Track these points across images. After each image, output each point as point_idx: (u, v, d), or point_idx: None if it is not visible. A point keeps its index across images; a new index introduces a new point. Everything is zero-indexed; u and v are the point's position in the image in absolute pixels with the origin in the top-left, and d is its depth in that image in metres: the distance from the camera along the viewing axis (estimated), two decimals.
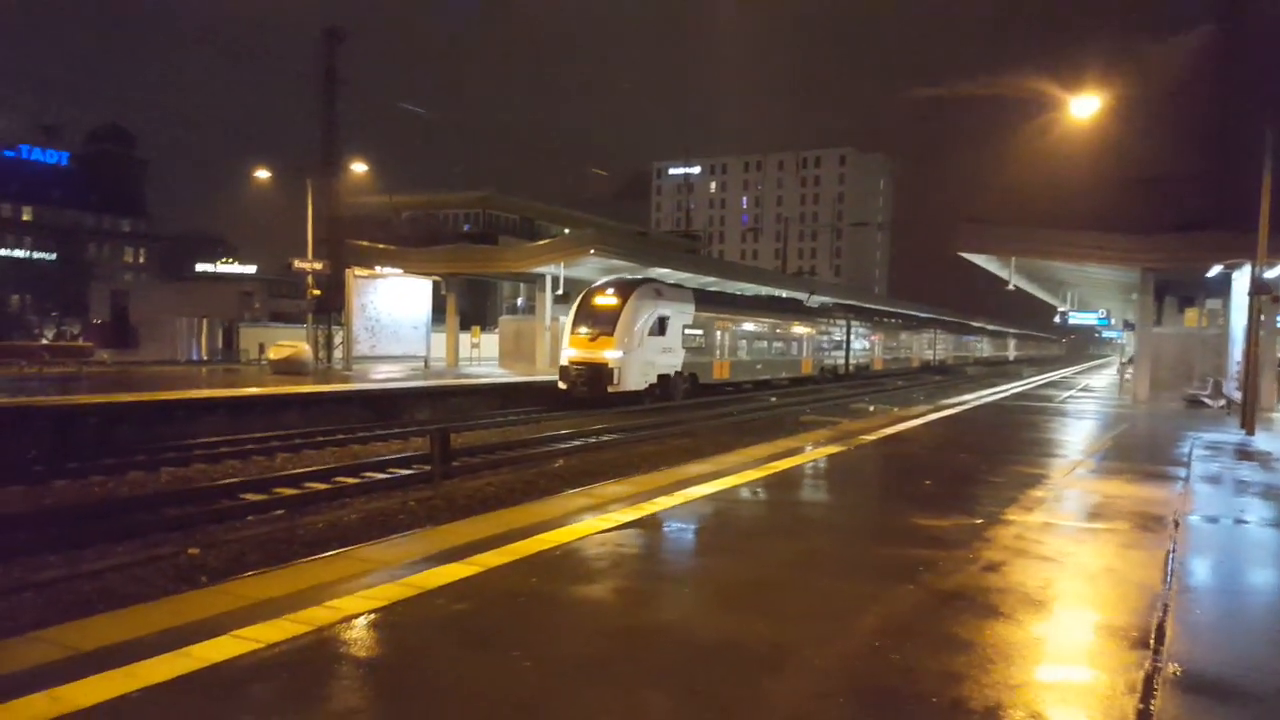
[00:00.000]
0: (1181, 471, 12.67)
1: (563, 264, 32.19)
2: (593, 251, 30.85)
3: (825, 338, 44.11)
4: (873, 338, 52.82)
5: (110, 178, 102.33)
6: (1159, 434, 18.55)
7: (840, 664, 4.62)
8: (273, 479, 13.79)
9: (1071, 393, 34.53)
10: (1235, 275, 23.91)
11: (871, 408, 31.01)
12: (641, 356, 26.84)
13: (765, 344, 37.18)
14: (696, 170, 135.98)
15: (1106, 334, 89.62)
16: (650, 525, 7.86)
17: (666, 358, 28.26)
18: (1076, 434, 18.69)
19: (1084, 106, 19.57)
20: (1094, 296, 53.66)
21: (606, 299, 27.27)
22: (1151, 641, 5.08)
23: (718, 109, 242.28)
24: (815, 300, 47.71)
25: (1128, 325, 52.73)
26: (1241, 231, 20.19)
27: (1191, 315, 34.91)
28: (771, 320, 38.12)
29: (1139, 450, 15.56)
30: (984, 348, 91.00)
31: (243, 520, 11.58)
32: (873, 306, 59.82)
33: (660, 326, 27.82)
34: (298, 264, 30.85)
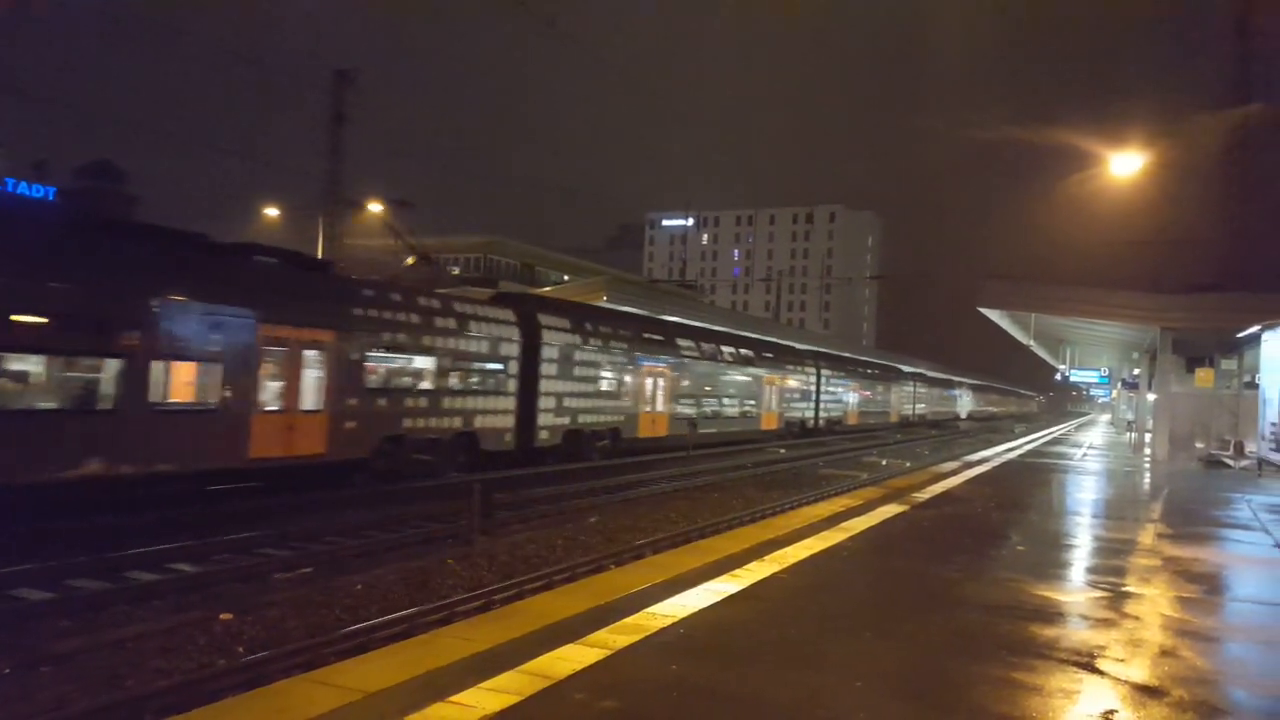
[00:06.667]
0: (1264, 538, 12.06)
1: None
2: (605, 298, 30.22)
3: (486, 381, 19.87)
4: (667, 378, 27.95)
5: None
6: (1207, 496, 17.81)
7: None
8: (292, 531, 12.76)
9: (1082, 450, 34.14)
10: (1266, 336, 23.49)
11: None
12: None
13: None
14: (690, 222, 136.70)
15: (1095, 391, 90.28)
16: (763, 597, 7.03)
17: None
18: (1124, 494, 18.24)
19: (1125, 164, 19.30)
20: (1092, 355, 53.58)
21: None
22: None
23: (713, 164, 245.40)
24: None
25: (1125, 384, 52.80)
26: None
27: (1204, 375, 34.51)
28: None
29: (1200, 514, 14.86)
30: (920, 401, 66.87)
31: (268, 579, 10.58)
32: (684, 321, 34.00)
33: None
34: None
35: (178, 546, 11.19)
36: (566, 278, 56.25)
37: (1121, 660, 5.78)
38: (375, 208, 31.61)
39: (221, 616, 8.77)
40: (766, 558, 8.46)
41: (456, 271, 59.48)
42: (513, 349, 20.68)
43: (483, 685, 4.63)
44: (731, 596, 6.89)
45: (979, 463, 24.30)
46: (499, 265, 61.38)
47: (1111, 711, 4.83)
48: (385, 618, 8.65)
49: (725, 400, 32.68)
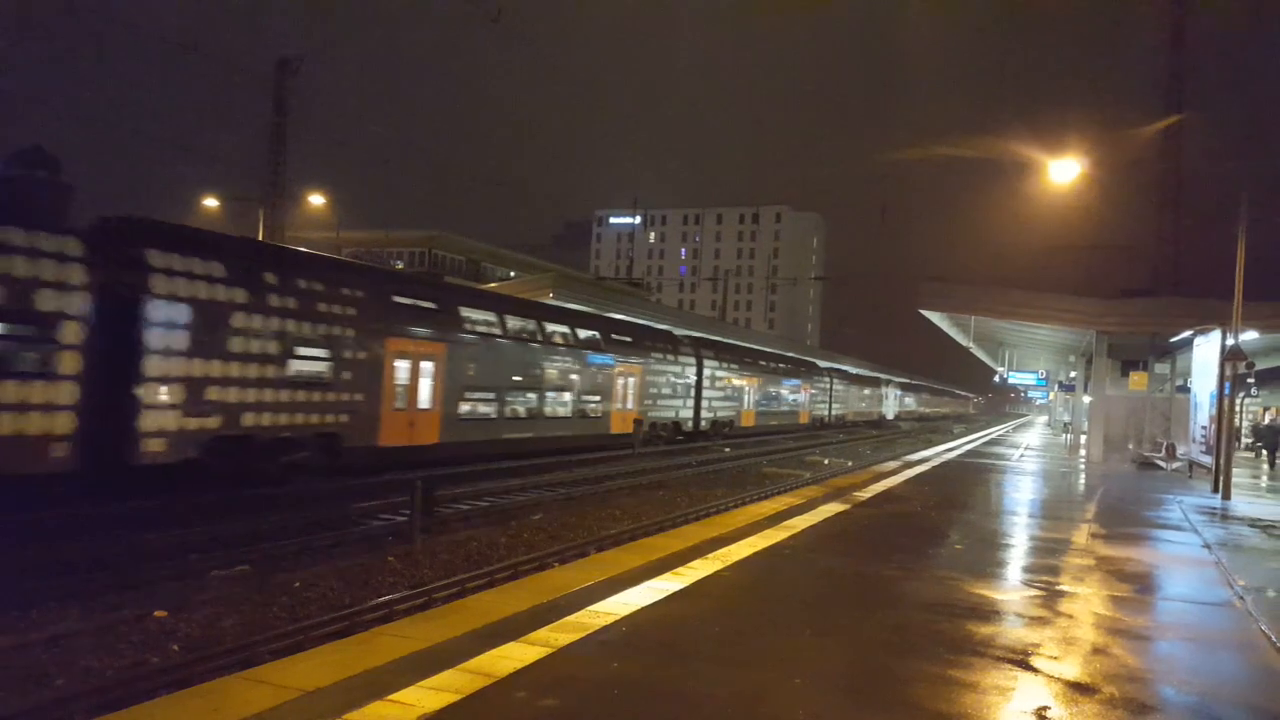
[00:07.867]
0: (1193, 539, 12.41)
1: None
2: (551, 295, 30.07)
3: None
4: (442, 362, 20.20)
5: (30, 202, 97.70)
6: (1140, 497, 18.36)
7: None
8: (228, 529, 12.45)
9: (1020, 451, 34.86)
10: (1199, 340, 24.26)
11: None
12: None
13: None
14: (637, 220, 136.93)
15: (1032, 393, 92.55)
16: (706, 594, 7.05)
17: None
18: (1059, 495, 18.62)
19: (1063, 171, 19.75)
20: (1030, 358, 54.89)
21: None
22: None
23: (661, 163, 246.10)
24: None
25: (1062, 386, 54.21)
26: (1212, 298, 20.51)
27: (1138, 378, 35.53)
28: None
29: (1133, 515, 15.29)
30: (837, 400, 59.08)
31: (204, 577, 10.31)
32: (476, 286, 28.84)
33: None
34: None
35: (111, 542, 10.86)
36: (513, 274, 55.91)
37: (1055, 658, 5.91)
38: (316, 199, 31.08)
39: (156, 614, 8.54)
40: (710, 555, 8.49)
41: (400, 265, 58.78)
42: (71, 301, 12.33)
43: (423, 684, 4.57)
44: (675, 594, 6.91)
45: (919, 462, 24.71)
46: (443, 260, 60.71)
47: (1044, 708, 4.93)
48: (324, 616, 8.51)
49: (550, 395, 24.68)
